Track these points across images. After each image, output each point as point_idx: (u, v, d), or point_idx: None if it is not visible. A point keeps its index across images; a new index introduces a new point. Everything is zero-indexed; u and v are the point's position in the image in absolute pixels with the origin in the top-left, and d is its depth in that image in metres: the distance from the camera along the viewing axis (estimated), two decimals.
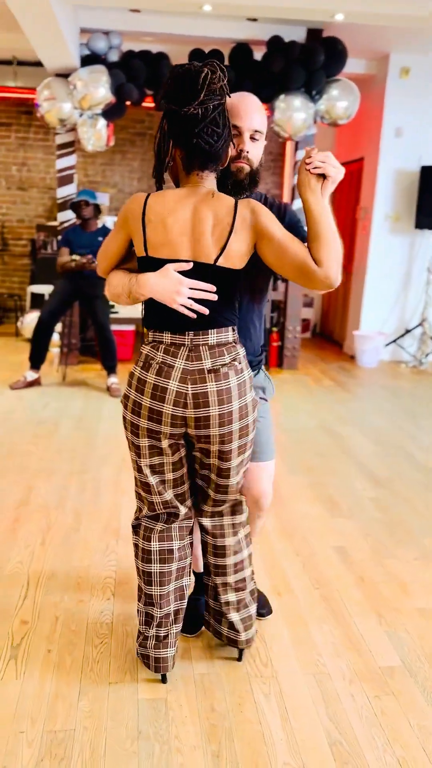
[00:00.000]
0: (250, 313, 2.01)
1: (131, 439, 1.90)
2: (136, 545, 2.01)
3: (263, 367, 2.17)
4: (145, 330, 1.89)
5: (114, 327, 6.20)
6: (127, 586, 2.51)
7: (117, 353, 5.35)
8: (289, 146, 7.99)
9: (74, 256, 5.06)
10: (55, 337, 6.16)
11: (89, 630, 2.25)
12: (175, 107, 1.71)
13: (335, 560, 2.79)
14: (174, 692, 1.98)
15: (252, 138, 1.89)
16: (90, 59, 5.59)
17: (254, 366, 2.07)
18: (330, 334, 8.06)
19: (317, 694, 2.00)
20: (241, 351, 1.87)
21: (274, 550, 2.85)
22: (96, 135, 5.57)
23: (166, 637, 1.99)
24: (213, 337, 1.80)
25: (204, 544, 2.07)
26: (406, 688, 2.04)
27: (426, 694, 2.02)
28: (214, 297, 1.75)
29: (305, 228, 1.79)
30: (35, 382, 5.30)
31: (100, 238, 5.18)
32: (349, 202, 7.34)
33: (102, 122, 5.55)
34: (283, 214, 1.93)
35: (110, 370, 5.28)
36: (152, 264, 1.78)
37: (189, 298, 1.73)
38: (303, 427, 4.58)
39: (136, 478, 1.95)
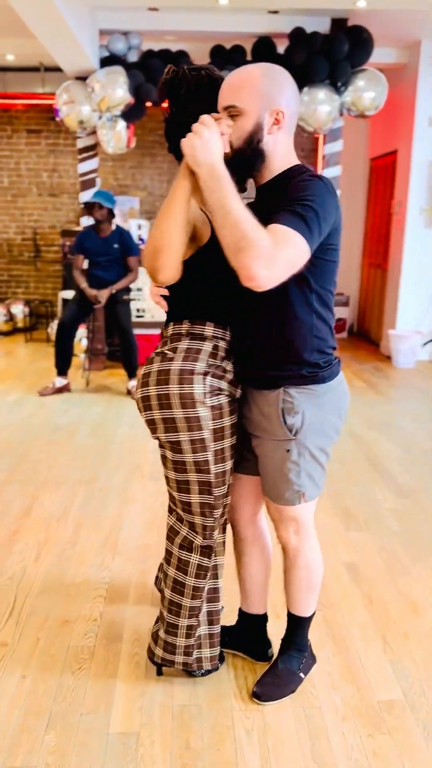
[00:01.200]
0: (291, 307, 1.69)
1: None
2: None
3: (299, 381, 1.71)
4: None
5: (140, 331, 6.12)
6: (117, 606, 2.39)
7: (139, 357, 5.26)
8: (322, 141, 7.76)
9: (95, 293, 4.98)
10: (84, 343, 6.13)
11: (69, 654, 2.13)
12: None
13: (344, 578, 2.60)
14: (148, 726, 1.84)
15: (231, 116, 1.66)
16: (110, 60, 5.53)
17: (284, 378, 1.72)
18: (366, 334, 7.79)
19: (304, 731, 1.83)
20: (188, 344, 1.74)
21: (277, 566, 2.67)
22: (116, 137, 5.50)
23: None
24: (170, 329, 1.82)
25: None
26: (405, 726, 1.85)
27: (426, 733, 1.82)
28: (165, 292, 1.78)
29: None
30: (64, 388, 5.25)
31: (116, 245, 5.09)
32: (384, 197, 7.07)
33: (122, 124, 5.48)
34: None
35: (131, 373, 5.19)
36: None
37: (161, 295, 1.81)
38: None
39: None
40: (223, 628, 2.16)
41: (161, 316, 6.02)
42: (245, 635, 2.11)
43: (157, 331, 6.45)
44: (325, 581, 2.57)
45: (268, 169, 1.66)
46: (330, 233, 1.58)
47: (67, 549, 2.80)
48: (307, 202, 1.50)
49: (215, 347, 1.75)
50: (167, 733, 1.81)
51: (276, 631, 2.23)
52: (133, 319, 5.84)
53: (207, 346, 1.74)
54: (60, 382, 5.21)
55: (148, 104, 5.64)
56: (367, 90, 5.41)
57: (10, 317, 7.70)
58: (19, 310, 7.78)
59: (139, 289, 5.91)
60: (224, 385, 1.75)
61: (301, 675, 1.99)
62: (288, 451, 1.75)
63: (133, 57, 5.54)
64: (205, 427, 1.71)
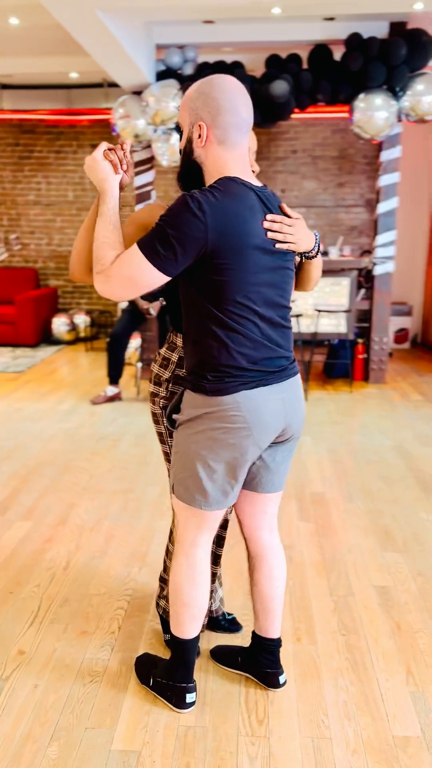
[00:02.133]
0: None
1: None
2: None
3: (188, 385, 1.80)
4: None
5: None
6: (136, 620, 2.37)
7: None
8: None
9: (147, 306, 5.04)
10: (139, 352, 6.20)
11: (83, 666, 2.13)
12: None
13: (374, 602, 2.49)
14: (151, 745, 1.81)
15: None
16: (166, 74, 5.60)
17: (186, 381, 1.81)
18: (431, 344, 7.53)
19: (311, 763, 1.75)
20: (166, 357, 1.96)
21: (305, 586, 2.60)
22: (170, 150, 5.55)
23: None
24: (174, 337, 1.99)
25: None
26: (420, 766, 1.74)
27: None
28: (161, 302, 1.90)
29: None
30: (115, 397, 5.33)
31: None
32: None
33: (176, 137, 5.53)
34: None
35: None
36: None
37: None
38: (374, 448, 4.23)
39: None
40: (238, 648, 2.12)
41: None
42: (255, 658, 2.05)
43: None
44: (353, 605, 2.47)
45: (206, 180, 1.71)
46: (217, 252, 1.57)
47: (96, 558, 2.82)
48: (161, 220, 1.58)
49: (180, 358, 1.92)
50: (168, 754, 1.78)
51: (294, 654, 2.16)
52: None
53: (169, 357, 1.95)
54: (111, 391, 5.29)
55: None
56: (427, 94, 5.23)
57: (73, 327, 7.89)
58: (81, 320, 7.96)
59: None
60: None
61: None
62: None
63: (188, 70, 5.58)
64: None
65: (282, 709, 1.94)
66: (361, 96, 5.28)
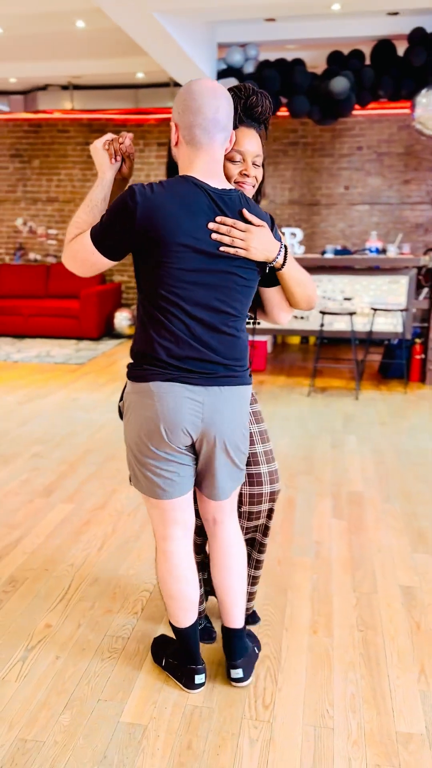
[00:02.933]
0: None
1: None
2: None
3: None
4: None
5: (255, 338, 6.18)
6: (159, 603, 2.46)
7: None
8: None
9: None
10: None
11: (104, 642, 2.23)
12: None
13: (397, 601, 2.49)
14: (158, 720, 1.89)
15: None
16: (227, 72, 5.67)
17: None
18: None
19: (309, 750, 1.78)
20: None
21: (330, 582, 2.61)
22: None
23: None
24: None
25: None
26: (419, 763, 1.74)
27: None
28: None
29: None
30: None
31: None
32: None
33: None
34: None
35: None
36: None
37: None
38: (420, 450, 4.17)
39: None
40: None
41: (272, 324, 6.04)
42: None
43: (265, 338, 6.50)
44: (375, 603, 2.47)
45: None
46: (145, 243, 1.63)
47: (130, 542, 2.92)
48: (109, 207, 1.71)
49: None
50: (173, 730, 1.85)
51: (308, 646, 2.19)
52: (248, 325, 5.92)
53: None
54: None
55: None
56: None
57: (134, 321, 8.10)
58: None
59: None
60: None
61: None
62: None
63: (249, 68, 5.63)
64: None
65: (289, 697, 1.98)
66: (423, 92, 5.19)
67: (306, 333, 6.25)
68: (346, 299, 5.98)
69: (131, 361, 1.81)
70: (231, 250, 1.66)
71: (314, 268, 5.77)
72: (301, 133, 7.94)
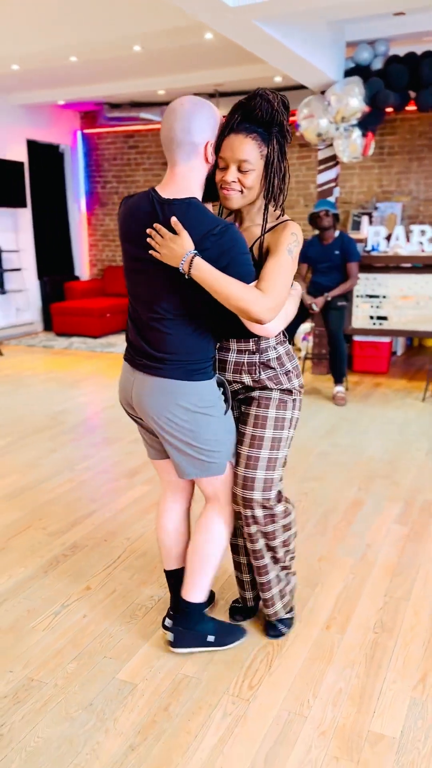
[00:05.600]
0: None
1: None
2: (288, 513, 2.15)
3: None
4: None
5: (372, 339, 6.09)
6: None
7: (347, 363, 5.28)
8: None
9: (310, 301, 5.18)
10: (304, 346, 6.34)
11: (129, 609, 2.44)
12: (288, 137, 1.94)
13: (425, 611, 2.41)
14: (148, 681, 2.05)
15: None
16: (353, 71, 5.62)
17: None
18: None
19: (275, 732, 1.84)
20: None
21: (364, 584, 2.59)
22: (351, 146, 5.57)
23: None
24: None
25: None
26: (379, 764, 1.73)
27: None
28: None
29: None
30: None
31: (337, 252, 5.19)
32: None
33: (357, 133, 5.53)
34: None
35: (337, 379, 5.24)
36: None
37: None
38: None
39: (286, 456, 2.13)
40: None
41: (402, 323, 5.88)
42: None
43: (386, 340, 6.33)
44: (402, 609, 2.43)
45: None
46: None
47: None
48: None
49: None
50: (158, 692, 2.00)
51: (317, 639, 2.23)
52: (372, 326, 5.86)
53: None
54: None
55: (389, 110, 5.58)
56: None
57: None
58: None
59: (384, 297, 5.84)
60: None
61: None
62: None
63: (377, 65, 5.54)
64: None
65: (277, 682, 2.04)
66: None
67: None
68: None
69: None
70: (154, 254, 1.79)
71: None
72: None
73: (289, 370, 2.09)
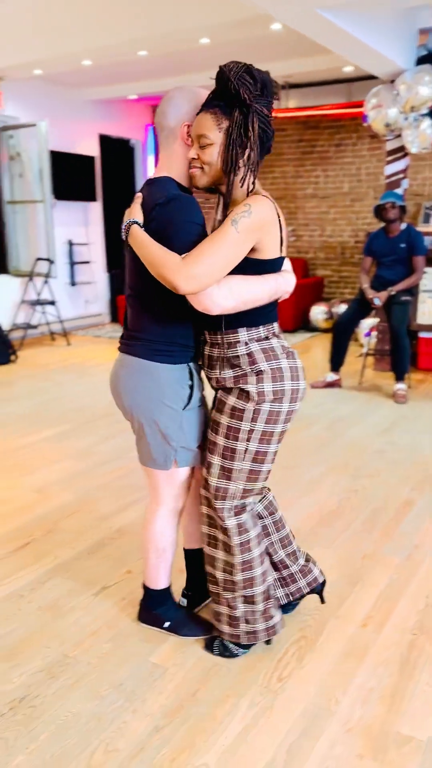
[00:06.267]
0: None
1: (282, 429, 1.93)
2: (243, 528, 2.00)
3: None
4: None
5: (425, 334, 5.93)
6: None
7: (409, 360, 5.14)
8: None
9: (372, 295, 5.07)
10: (367, 341, 6.21)
11: None
12: (267, 112, 1.80)
13: None
14: (178, 666, 2.07)
15: None
16: (428, 58, 5.45)
17: None
18: None
19: (300, 725, 1.83)
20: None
21: (407, 584, 2.53)
22: (420, 136, 5.41)
23: (269, 609, 2.09)
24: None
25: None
26: (403, 766, 1.69)
27: None
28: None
29: None
30: (335, 384, 5.48)
31: (402, 245, 5.06)
32: None
33: (426, 123, 5.36)
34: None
35: (399, 376, 5.12)
36: (279, 263, 1.91)
37: None
38: None
39: (254, 470, 1.94)
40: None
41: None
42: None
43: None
44: None
45: None
46: None
47: None
48: None
49: None
50: (188, 678, 2.02)
51: (352, 637, 2.20)
52: None
53: None
54: (331, 377, 5.44)
55: None
56: None
57: (330, 315, 8.13)
58: (340, 309, 8.15)
59: None
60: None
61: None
62: None
63: None
64: None
65: (307, 676, 2.02)
66: None
67: None
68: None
69: None
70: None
71: None
72: None
73: (262, 371, 1.85)
